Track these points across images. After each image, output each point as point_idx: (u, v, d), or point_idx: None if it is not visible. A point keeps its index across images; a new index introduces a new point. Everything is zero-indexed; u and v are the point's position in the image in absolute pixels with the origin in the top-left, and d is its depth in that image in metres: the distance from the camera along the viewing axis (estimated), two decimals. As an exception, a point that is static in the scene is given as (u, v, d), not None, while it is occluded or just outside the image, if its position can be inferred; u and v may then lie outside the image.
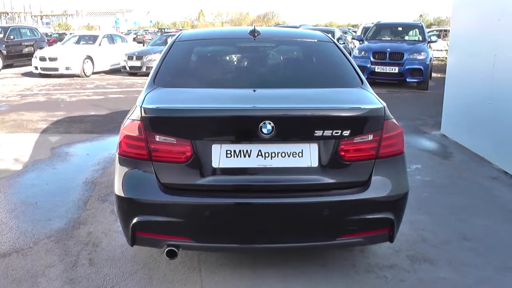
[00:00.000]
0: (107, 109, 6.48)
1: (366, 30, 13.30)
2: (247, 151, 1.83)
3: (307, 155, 1.85)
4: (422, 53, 8.70)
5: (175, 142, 1.82)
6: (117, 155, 1.93)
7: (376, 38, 9.89)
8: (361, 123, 1.87)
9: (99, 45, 11.54)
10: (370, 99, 2.02)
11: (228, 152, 1.83)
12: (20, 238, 2.50)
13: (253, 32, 2.55)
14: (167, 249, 1.88)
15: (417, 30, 10.17)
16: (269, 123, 1.77)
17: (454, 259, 2.29)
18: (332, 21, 70.28)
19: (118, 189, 1.88)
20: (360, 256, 2.30)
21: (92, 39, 11.84)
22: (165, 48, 2.56)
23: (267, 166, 1.84)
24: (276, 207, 1.84)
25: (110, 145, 4.49)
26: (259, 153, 1.83)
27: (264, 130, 1.78)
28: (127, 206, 1.87)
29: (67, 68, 10.43)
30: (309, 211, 1.86)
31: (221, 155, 1.83)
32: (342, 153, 1.85)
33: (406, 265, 2.23)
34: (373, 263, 2.23)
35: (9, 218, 2.75)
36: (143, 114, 1.84)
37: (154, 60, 10.98)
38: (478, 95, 4.13)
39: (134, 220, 1.84)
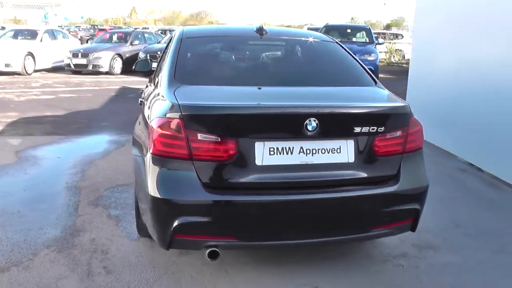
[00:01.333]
0: (63, 109, 6.09)
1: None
2: (289, 148, 1.85)
3: (344, 151, 1.90)
4: (372, 54, 9.20)
5: (219, 140, 1.78)
6: (149, 155, 1.83)
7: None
8: (393, 120, 1.98)
9: (40, 40, 10.74)
10: (394, 98, 2.14)
11: (271, 149, 1.83)
12: (14, 250, 2.28)
13: (260, 30, 2.58)
14: (209, 250, 1.83)
15: (364, 32, 10.75)
16: (314, 120, 1.80)
17: (453, 244, 2.49)
18: (265, 22, 69.63)
19: (153, 190, 1.78)
20: (372, 247, 2.42)
21: (31, 34, 11.00)
22: (172, 45, 2.48)
23: (308, 163, 1.87)
24: (317, 203, 1.88)
25: (80, 147, 4.26)
26: (301, 150, 1.86)
27: (309, 127, 1.81)
28: (167, 208, 1.79)
29: (6, 65, 9.60)
30: (348, 206, 1.93)
31: (264, 153, 1.82)
32: (376, 149, 1.93)
33: (415, 252, 2.38)
34: (385, 253, 2.36)
35: (-7, 229, 2.50)
36: (184, 112, 1.77)
37: (101, 58, 10.52)
38: (442, 93, 4.50)
39: (175, 222, 1.77)
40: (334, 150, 1.89)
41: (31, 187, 3.13)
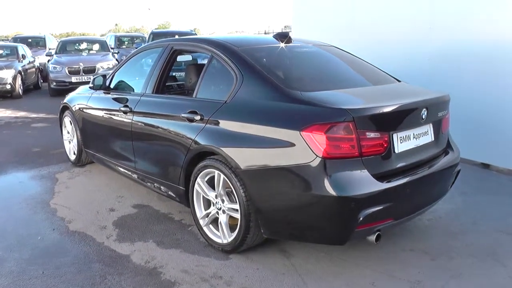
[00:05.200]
0: None
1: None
2: (408, 135, 2.35)
3: (430, 133, 2.52)
4: None
5: (379, 136, 2.16)
6: (317, 160, 2.07)
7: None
8: (448, 104, 2.66)
9: None
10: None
11: (401, 138, 2.30)
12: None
13: (285, 38, 2.97)
14: (376, 234, 2.21)
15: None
16: (425, 111, 2.39)
17: (465, 228, 2.96)
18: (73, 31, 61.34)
19: (334, 191, 2.03)
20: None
21: None
22: (236, 57, 2.68)
23: (418, 145, 2.42)
24: (433, 175, 2.46)
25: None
26: (414, 136, 2.39)
27: (423, 116, 2.39)
28: (352, 205, 2.06)
29: None
30: (443, 173, 2.59)
31: (398, 142, 2.28)
32: (442, 128, 2.62)
33: (449, 239, 2.83)
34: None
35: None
36: (354, 114, 2.08)
37: None
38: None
39: (361, 215, 2.06)
40: (425, 133, 2.49)
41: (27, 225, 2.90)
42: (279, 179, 2.25)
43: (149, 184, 3.32)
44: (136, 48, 11.73)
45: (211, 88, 2.86)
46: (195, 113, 2.73)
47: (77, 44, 11.00)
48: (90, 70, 9.79)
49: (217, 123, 2.57)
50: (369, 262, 2.54)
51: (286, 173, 2.20)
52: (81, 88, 4.58)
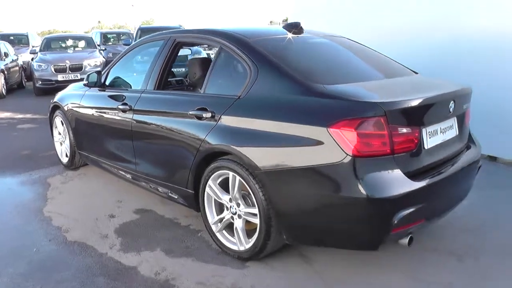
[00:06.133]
0: None
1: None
2: (436, 130, 2.21)
3: (454, 126, 2.38)
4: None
5: (410, 131, 2.01)
6: (347, 158, 1.90)
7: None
8: (470, 97, 2.52)
9: None
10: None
11: (429, 133, 2.16)
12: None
13: (297, 28, 2.82)
14: (409, 236, 2.04)
15: None
16: (453, 103, 2.26)
17: (485, 225, 2.82)
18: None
19: (369, 192, 1.88)
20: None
21: None
22: (249, 49, 2.47)
23: (445, 140, 2.27)
24: (459, 172, 2.31)
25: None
26: (440, 130, 2.25)
27: (451, 110, 2.26)
28: (387, 206, 1.91)
29: None
30: (469, 168, 2.44)
31: (427, 137, 2.14)
32: (465, 121, 2.49)
33: (471, 237, 2.69)
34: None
35: None
36: (386, 109, 1.91)
37: None
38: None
39: (395, 218, 1.91)
40: (450, 127, 2.34)
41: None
42: (304, 180, 2.07)
43: (152, 187, 3.09)
44: (125, 45, 11.68)
45: (222, 83, 2.64)
46: (204, 110, 2.51)
47: (62, 41, 10.60)
48: (77, 68, 9.43)
49: (231, 121, 2.35)
50: (397, 266, 2.38)
51: (312, 174, 2.02)
52: (72, 86, 4.29)
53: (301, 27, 2.86)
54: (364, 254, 2.47)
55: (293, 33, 2.80)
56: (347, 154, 1.90)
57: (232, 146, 2.31)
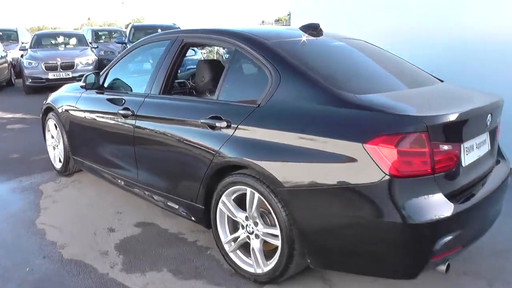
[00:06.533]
0: None
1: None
2: (472, 146, 2.03)
3: (487, 141, 2.19)
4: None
5: (451, 148, 1.84)
6: (385, 179, 1.71)
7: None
8: (502, 109, 2.30)
9: None
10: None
11: (466, 149, 1.97)
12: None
13: (315, 30, 2.64)
14: (447, 263, 1.88)
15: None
16: (490, 116, 2.10)
17: (507, 246, 2.65)
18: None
19: (410, 217, 1.71)
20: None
21: None
22: (269, 52, 2.25)
23: (480, 156, 2.09)
24: (494, 191, 2.12)
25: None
26: (476, 145, 2.06)
27: (488, 123, 2.10)
28: (429, 232, 1.75)
29: None
30: (503, 186, 2.24)
31: (464, 153, 1.95)
32: (496, 135, 2.30)
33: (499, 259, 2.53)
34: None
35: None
36: (428, 123, 1.73)
37: None
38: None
39: (437, 245, 1.75)
40: (484, 141, 2.16)
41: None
42: (334, 200, 1.88)
43: (154, 199, 2.85)
44: (118, 43, 11.36)
45: (238, 89, 2.42)
46: (218, 118, 2.28)
47: (53, 38, 10.24)
48: (69, 66, 9.10)
49: (249, 131, 2.14)
50: (428, 291, 2.19)
51: (343, 194, 1.83)
52: (66, 87, 4.03)
53: (320, 28, 2.67)
54: (392, 280, 2.27)
55: (312, 35, 2.60)
56: (385, 174, 1.72)
57: (251, 160, 2.10)
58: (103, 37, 14.28)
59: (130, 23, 13.00)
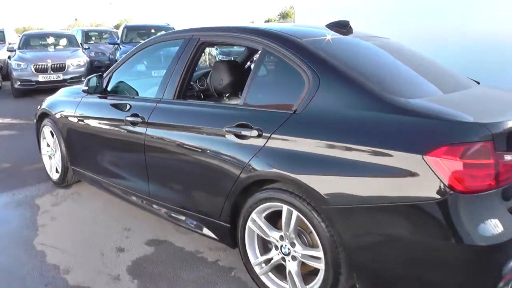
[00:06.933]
0: None
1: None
2: None
3: None
4: None
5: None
6: (451, 196, 1.50)
7: (132, 42, 9.99)
8: None
9: None
10: None
11: None
12: None
13: (345, 28, 2.39)
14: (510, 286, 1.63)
15: (164, 32, 10.69)
16: None
17: None
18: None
19: (479, 238, 1.51)
20: None
21: None
22: (304, 52, 2.00)
23: None
24: None
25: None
26: None
27: None
28: (499, 255, 1.55)
29: None
30: None
31: None
32: None
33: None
34: None
35: None
36: (494, 131, 1.54)
37: None
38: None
39: (505, 268, 1.55)
40: None
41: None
42: (389, 220, 1.65)
43: (170, 216, 2.57)
44: (110, 43, 10.98)
45: (268, 93, 2.17)
46: (247, 127, 2.02)
47: (42, 39, 9.82)
48: (59, 68, 8.71)
49: (285, 141, 1.88)
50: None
51: (400, 212, 1.62)
52: (64, 91, 3.71)
53: (350, 26, 2.42)
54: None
55: (341, 34, 2.36)
56: (449, 189, 1.51)
57: (289, 174, 1.83)
58: (93, 38, 13.86)
59: (123, 24, 12.57)
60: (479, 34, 4.06)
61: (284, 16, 33.34)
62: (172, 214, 2.53)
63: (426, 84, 2.18)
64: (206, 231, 2.36)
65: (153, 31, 10.97)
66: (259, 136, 1.96)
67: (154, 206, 2.67)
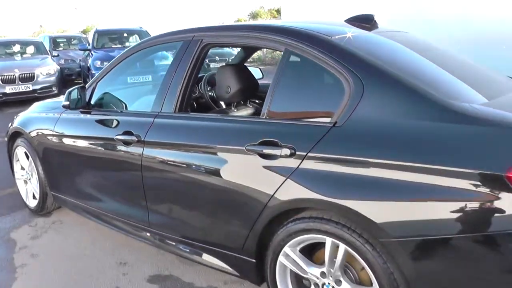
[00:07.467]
0: None
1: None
2: None
3: None
4: None
5: None
6: None
7: (104, 47, 9.57)
8: None
9: None
10: None
11: None
12: None
13: (369, 23, 2.10)
14: None
15: (137, 36, 10.32)
16: None
17: None
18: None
19: None
20: None
21: None
22: (342, 53, 1.67)
23: None
24: None
25: None
26: None
27: None
28: None
29: None
30: None
31: None
32: None
33: None
34: None
35: None
36: None
37: None
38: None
39: None
40: None
41: None
42: (467, 254, 1.34)
43: (178, 249, 2.20)
44: (81, 49, 10.34)
45: (297, 103, 1.82)
46: (274, 144, 1.67)
47: (8, 47, 9.11)
48: (28, 78, 8.09)
49: (325, 161, 1.55)
50: None
51: (482, 245, 1.33)
52: (38, 106, 3.26)
53: (375, 21, 2.13)
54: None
55: (364, 29, 2.06)
56: None
57: (335, 201, 1.51)
58: (62, 44, 13.15)
59: (94, 28, 11.93)
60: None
61: (254, 16, 32.86)
62: (182, 247, 2.16)
63: (467, 89, 1.90)
64: (224, 266, 2.00)
65: (125, 35, 10.51)
66: (292, 155, 1.62)
67: (154, 237, 2.29)
